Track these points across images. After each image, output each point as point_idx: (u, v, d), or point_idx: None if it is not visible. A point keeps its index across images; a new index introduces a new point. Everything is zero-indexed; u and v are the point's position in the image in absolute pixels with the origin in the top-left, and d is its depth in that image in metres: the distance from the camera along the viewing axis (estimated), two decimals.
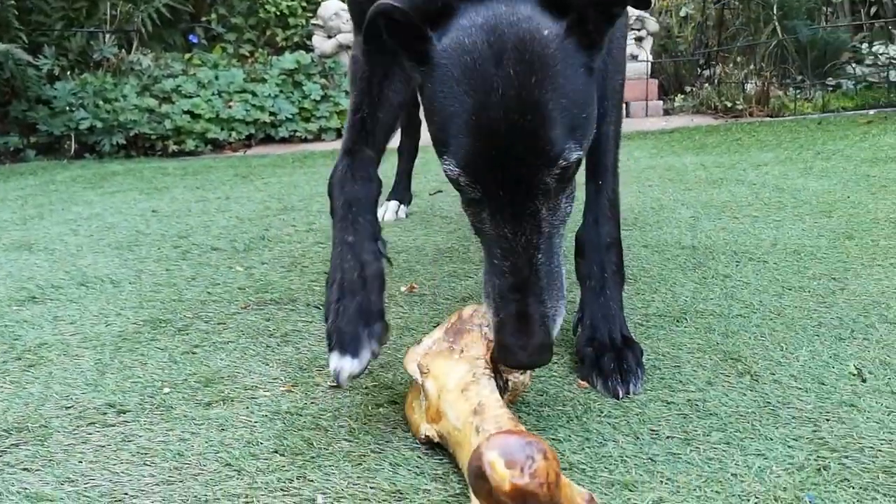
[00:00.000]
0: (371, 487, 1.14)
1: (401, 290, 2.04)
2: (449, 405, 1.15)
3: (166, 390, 1.50)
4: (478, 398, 1.11)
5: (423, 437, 1.22)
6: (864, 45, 5.85)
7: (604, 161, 1.53)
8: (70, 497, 1.15)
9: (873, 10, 6.59)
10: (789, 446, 1.17)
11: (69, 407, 1.45)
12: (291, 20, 7.20)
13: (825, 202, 2.69)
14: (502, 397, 1.17)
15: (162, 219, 3.11)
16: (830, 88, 5.92)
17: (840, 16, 6.44)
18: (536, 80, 1.06)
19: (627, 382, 1.35)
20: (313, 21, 6.64)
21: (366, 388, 1.47)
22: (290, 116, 5.85)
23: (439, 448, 1.21)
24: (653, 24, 5.93)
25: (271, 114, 5.80)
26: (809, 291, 1.83)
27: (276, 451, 1.25)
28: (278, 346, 1.70)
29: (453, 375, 1.18)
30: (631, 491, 1.08)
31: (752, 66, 5.87)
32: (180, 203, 3.49)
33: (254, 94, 5.85)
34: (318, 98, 5.92)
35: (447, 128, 1.12)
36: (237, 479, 1.18)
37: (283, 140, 5.90)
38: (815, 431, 1.21)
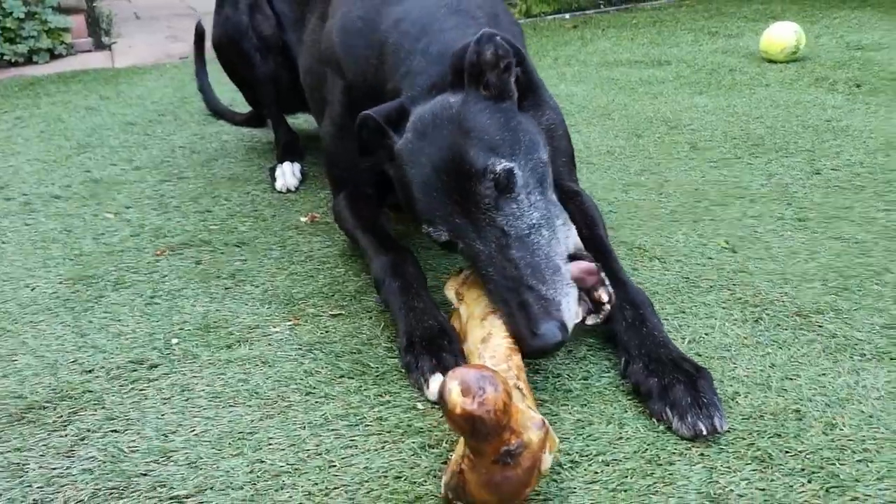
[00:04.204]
0: None
1: (301, 220, 2.16)
2: (471, 330, 1.36)
3: (174, 341, 1.55)
4: (490, 328, 1.31)
5: None
6: None
7: (594, 233, 1.64)
8: (188, 444, 1.23)
9: None
10: (723, 307, 1.60)
11: (89, 371, 1.46)
12: None
13: (598, 106, 3.18)
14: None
15: None
16: None
17: None
18: (451, 133, 1.39)
19: (710, 417, 1.20)
20: None
21: (370, 315, 1.64)
22: None
23: None
24: None
25: None
26: (644, 186, 2.29)
27: (344, 376, 1.42)
28: (237, 286, 1.78)
29: (480, 305, 1.38)
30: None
31: None
32: None
33: None
34: (22, 16, 5.29)
35: (416, 205, 1.42)
36: (332, 402, 1.34)
37: None
38: (731, 294, 1.64)
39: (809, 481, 1.11)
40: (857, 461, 1.14)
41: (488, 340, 1.28)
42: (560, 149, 1.75)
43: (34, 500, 1.14)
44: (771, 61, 3.68)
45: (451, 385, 0.98)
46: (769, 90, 3.23)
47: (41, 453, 1.24)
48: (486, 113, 1.41)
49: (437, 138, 1.39)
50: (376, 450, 1.22)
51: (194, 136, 3.00)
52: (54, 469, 1.20)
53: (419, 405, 1.33)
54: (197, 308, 1.68)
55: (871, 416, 1.24)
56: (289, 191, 2.37)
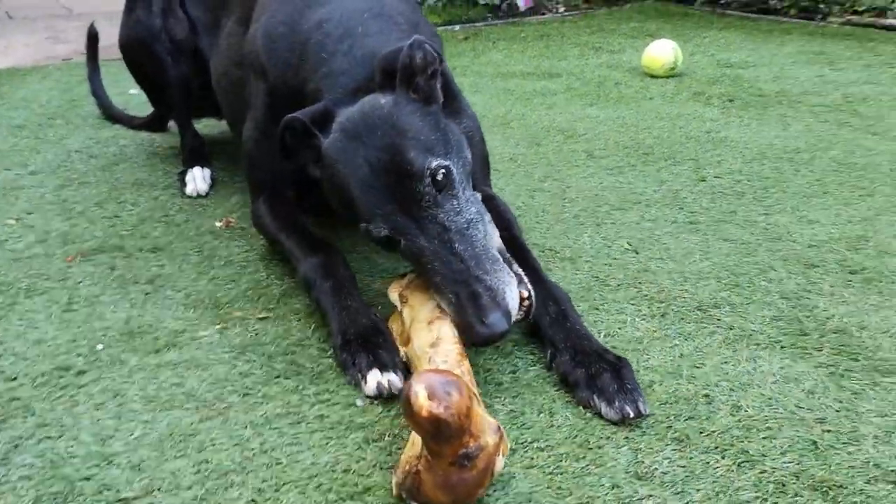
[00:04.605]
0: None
1: (216, 225, 2.15)
2: (416, 333, 1.40)
3: (99, 347, 1.54)
4: (438, 332, 1.36)
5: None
6: None
7: (511, 234, 1.70)
8: (129, 447, 1.24)
9: None
10: (632, 303, 1.72)
11: (13, 378, 1.43)
12: None
13: (497, 115, 3.30)
14: None
15: None
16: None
17: None
18: (386, 133, 1.44)
19: (635, 402, 1.31)
20: None
21: (298, 316, 1.67)
22: None
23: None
24: None
25: None
26: (548, 191, 2.41)
27: (280, 377, 1.45)
28: (157, 291, 1.78)
29: (425, 308, 1.43)
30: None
31: None
32: None
33: None
34: None
35: (354, 204, 1.45)
36: (271, 402, 1.37)
37: None
38: (638, 291, 1.77)
39: (723, 458, 1.23)
40: (763, 438, 1.27)
41: (438, 345, 1.33)
42: (476, 154, 1.83)
43: None
44: (652, 76, 3.90)
45: (417, 388, 1.03)
46: (653, 103, 3.44)
47: None
48: (417, 115, 1.47)
49: (371, 138, 1.44)
50: (321, 446, 1.26)
51: (90, 140, 2.92)
52: None
53: (358, 402, 1.37)
54: (118, 314, 1.66)
55: (770, 398, 1.38)
56: (199, 196, 2.35)
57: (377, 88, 1.52)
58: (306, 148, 1.56)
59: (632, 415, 1.30)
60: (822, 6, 5.57)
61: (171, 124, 2.84)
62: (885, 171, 2.54)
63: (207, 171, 2.42)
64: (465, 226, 1.41)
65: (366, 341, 1.44)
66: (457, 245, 1.38)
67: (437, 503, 1.10)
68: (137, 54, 2.47)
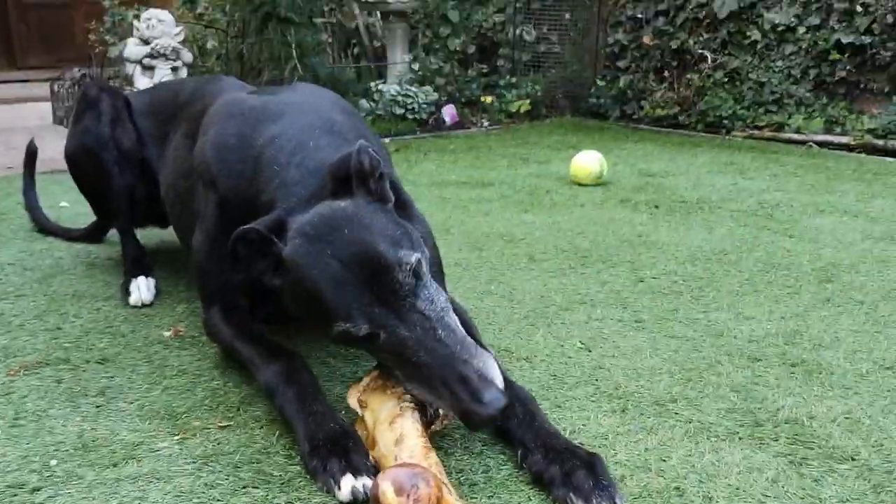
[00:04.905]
0: None
1: (164, 334, 2.11)
2: (380, 435, 1.40)
3: (53, 462, 1.47)
4: (401, 430, 1.37)
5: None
6: (372, 84, 6.89)
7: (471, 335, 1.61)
8: None
9: (356, 51, 7.75)
10: (592, 400, 1.75)
11: None
12: None
13: (437, 222, 3.34)
14: (436, 423, 1.47)
15: None
16: None
17: (341, 57, 7.45)
18: (353, 230, 1.48)
19: (612, 497, 1.33)
20: None
21: (260, 424, 1.64)
22: None
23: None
24: (187, 56, 6.13)
25: None
26: (496, 294, 2.46)
27: (247, 486, 1.41)
28: (109, 403, 1.72)
29: (385, 409, 1.44)
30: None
31: None
32: None
33: None
34: None
35: (327, 304, 1.45)
36: None
37: None
38: (596, 388, 1.80)
39: None
40: None
41: (402, 441, 1.33)
42: (431, 259, 1.87)
43: None
44: (580, 184, 4.07)
45: (384, 486, 1.04)
46: (584, 209, 3.58)
47: None
48: (379, 213, 1.53)
49: (338, 237, 1.46)
50: None
51: (22, 253, 2.84)
52: None
53: None
54: (69, 428, 1.60)
55: (738, 488, 1.41)
56: (143, 305, 2.31)
57: (329, 195, 1.56)
58: (262, 257, 1.56)
59: None
60: (725, 122, 5.96)
61: (111, 233, 2.81)
62: (806, 271, 2.69)
63: (151, 281, 2.38)
64: (441, 314, 1.44)
65: (335, 445, 1.42)
66: (440, 332, 1.40)
67: None
68: (84, 163, 2.46)
